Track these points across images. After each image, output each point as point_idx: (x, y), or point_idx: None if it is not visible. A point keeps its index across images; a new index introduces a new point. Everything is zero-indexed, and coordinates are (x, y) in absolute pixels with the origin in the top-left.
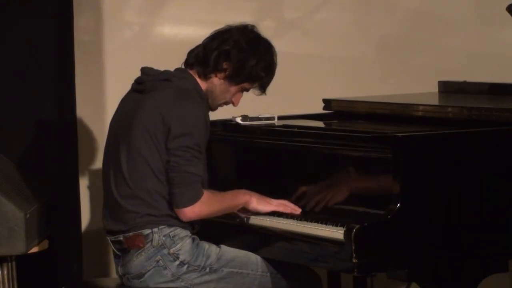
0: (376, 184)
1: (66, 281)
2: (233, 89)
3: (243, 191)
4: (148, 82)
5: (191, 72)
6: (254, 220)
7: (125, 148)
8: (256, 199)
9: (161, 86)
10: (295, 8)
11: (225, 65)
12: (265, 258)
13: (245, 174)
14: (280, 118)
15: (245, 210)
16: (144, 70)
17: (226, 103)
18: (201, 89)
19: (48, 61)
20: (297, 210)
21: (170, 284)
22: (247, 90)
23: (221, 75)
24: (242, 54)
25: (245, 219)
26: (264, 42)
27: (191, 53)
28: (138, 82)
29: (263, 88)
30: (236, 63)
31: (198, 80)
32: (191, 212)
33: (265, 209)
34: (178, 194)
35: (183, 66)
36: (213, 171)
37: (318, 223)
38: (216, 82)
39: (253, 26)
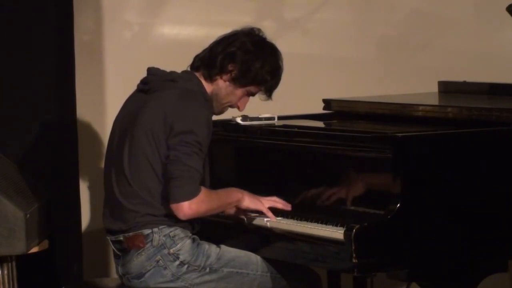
0: (376, 184)
1: (66, 281)
2: (239, 92)
3: (234, 189)
4: (153, 83)
5: (197, 74)
6: (254, 220)
7: (128, 147)
8: (248, 197)
9: (166, 87)
10: (295, 8)
11: (230, 66)
12: (265, 258)
13: (245, 174)
14: (280, 118)
15: (240, 210)
16: (151, 71)
17: (232, 106)
18: (205, 91)
19: (48, 61)
20: (288, 206)
21: (170, 284)
22: (253, 94)
23: (227, 77)
24: (247, 56)
25: (245, 219)
26: (270, 46)
27: (197, 57)
28: (143, 82)
29: (269, 93)
30: (242, 64)
31: (203, 82)
32: (189, 208)
33: (257, 207)
34: (177, 188)
35: (189, 69)
36: (213, 171)
37: (318, 223)
38: (222, 85)
39: (259, 30)
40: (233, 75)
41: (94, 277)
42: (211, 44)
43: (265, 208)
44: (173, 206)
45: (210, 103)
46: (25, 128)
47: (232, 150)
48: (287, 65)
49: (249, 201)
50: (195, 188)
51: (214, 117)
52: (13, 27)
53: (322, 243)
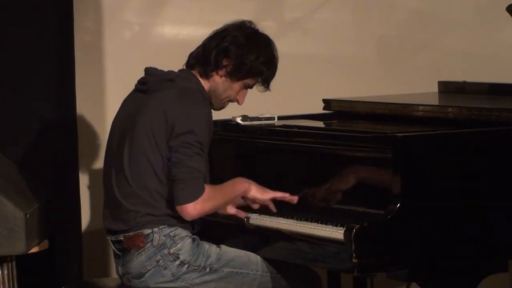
0: (376, 184)
1: (66, 281)
2: (236, 85)
3: (241, 179)
4: (151, 83)
5: (193, 72)
6: (254, 220)
7: (128, 147)
8: (255, 187)
9: (165, 87)
10: (295, 8)
11: (225, 62)
12: (265, 258)
13: (245, 174)
14: (280, 118)
15: (245, 208)
16: (148, 71)
17: (231, 101)
18: (204, 89)
19: (48, 61)
20: (294, 199)
21: (170, 284)
22: (251, 86)
23: (222, 72)
24: (241, 50)
25: (245, 219)
26: (263, 37)
27: (191, 55)
28: (141, 82)
29: (266, 83)
30: (236, 59)
31: (200, 80)
32: (193, 209)
33: (264, 197)
34: (180, 190)
35: (184, 68)
36: (213, 171)
37: (318, 223)
38: (218, 80)
39: (250, 22)
40: (228, 69)
41: (94, 277)
42: (204, 41)
43: (270, 200)
44: (178, 208)
45: (208, 101)
46: (25, 128)
47: (232, 150)
48: (287, 65)
49: (255, 191)
50: (198, 188)
51: (214, 117)
52: (13, 27)
53: (322, 243)
